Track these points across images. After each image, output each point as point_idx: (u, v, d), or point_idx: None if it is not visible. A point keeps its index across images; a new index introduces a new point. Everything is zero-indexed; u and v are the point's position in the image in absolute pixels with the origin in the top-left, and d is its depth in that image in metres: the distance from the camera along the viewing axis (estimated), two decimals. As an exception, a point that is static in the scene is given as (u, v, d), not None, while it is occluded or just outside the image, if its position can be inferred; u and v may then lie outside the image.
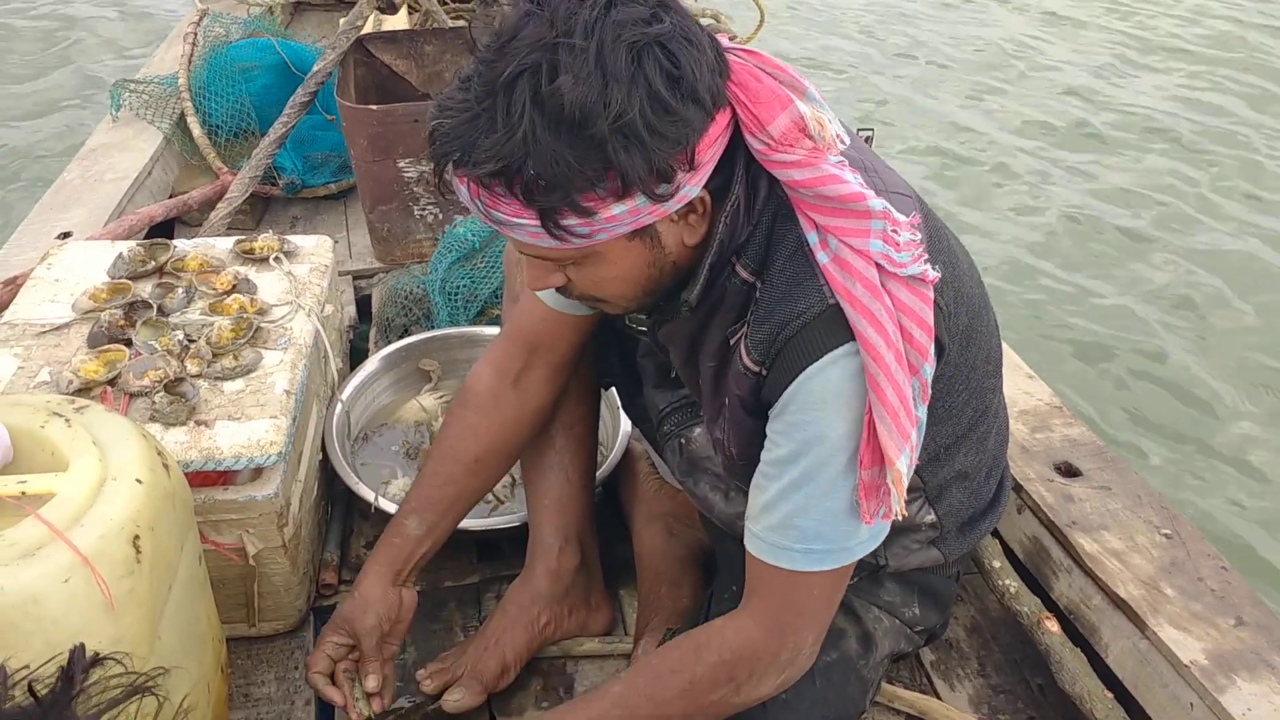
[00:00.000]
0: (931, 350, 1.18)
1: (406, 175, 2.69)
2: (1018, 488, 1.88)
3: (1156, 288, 4.23)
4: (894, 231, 1.16)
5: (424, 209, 2.75)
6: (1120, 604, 1.67)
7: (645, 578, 1.82)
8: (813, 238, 1.21)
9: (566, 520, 1.75)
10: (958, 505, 1.49)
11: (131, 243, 2.11)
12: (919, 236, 1.17)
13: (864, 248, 1.16)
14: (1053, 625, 1.71)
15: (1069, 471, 1.92)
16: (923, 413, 1.21)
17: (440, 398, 2.25)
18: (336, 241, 2.20)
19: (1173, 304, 4.13)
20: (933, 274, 1.18)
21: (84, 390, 1.69)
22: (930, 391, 1.24)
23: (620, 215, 1.11)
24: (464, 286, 2.43)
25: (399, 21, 3.56)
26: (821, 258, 1.20)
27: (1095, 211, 4.77)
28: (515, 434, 1.66)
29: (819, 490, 1.24)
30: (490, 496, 2.02)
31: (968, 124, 5.61)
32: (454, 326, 2.36)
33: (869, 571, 1.54)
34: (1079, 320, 4.04)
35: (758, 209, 1.24)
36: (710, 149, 1.14)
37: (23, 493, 1.25)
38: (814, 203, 1.19)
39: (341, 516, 2.03)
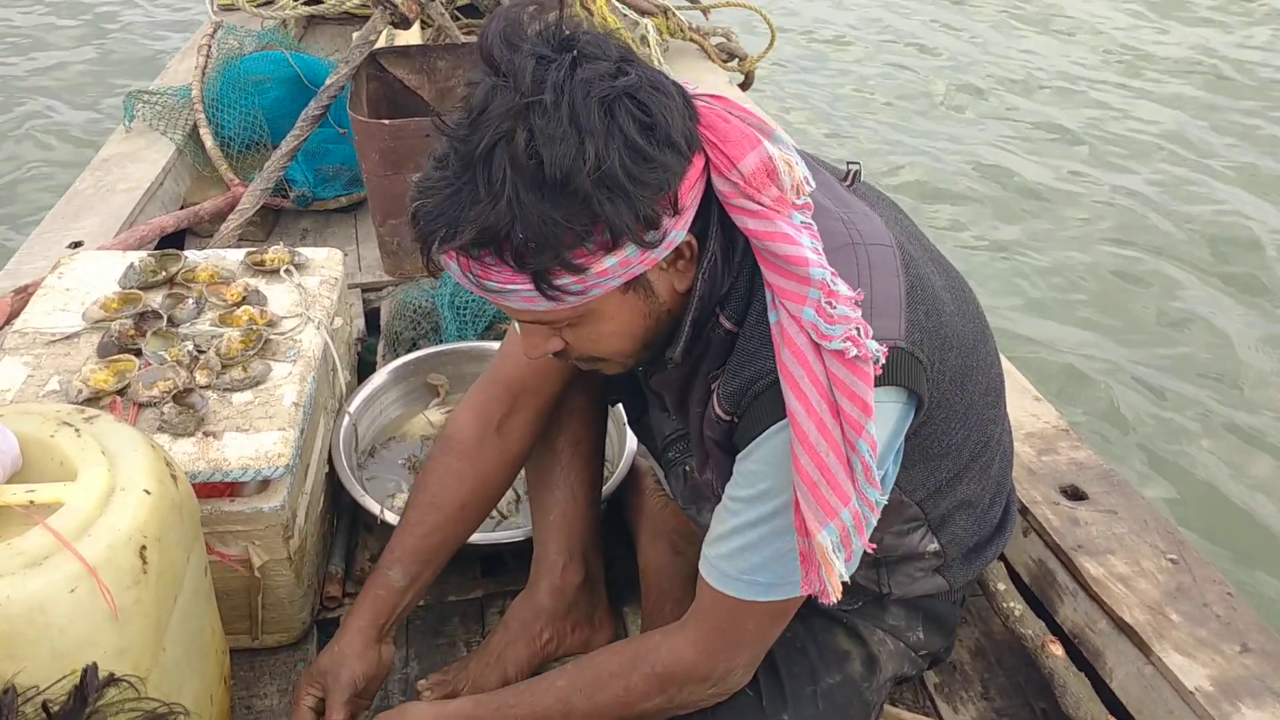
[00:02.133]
0: (867, 427, 1.15)
1: (417, 189, 2.69)
2: (1024, 510, 1.87)
3: (1167, 312, 4.22)
4: (828, 303, 1.15)
5: (434, 223, 2.76)
6: (1125, 629, 1.66)
7: (649, 595, 1.82)
8: (768, 295, 1.22)
9: (571, 536, 1.75)
10: (961, 533, 1.49)
11: (142, 253, 2.12)
12: (856, 314, 1.15)
13: (798, 313, 1.16)
14: (1057, 649, 1.71)
15: (1075, 494, 1.91)
16: (870, 490, 1.18)
17: (448, 412, 2.25)
18: (346, 254, 2.21)
19: (1184, 329, 4.12)
20: (874, 350, 1.15)
21: (93, 400, 1.70)
22: (892, 456, 1.26)
23: (612, 268, 1.12)
24: (473, 301, 2.44)
25: (412, 36, 3.57)
26: (772, 317, 1.21)
27: (1106, 233, 4.77)
28: (498, 480, 1.66)
29: (771, 533, 1.26)
30: (495, 512, 2.02)
31: (981, 146, 5.63)
32: (463, 341, 2.36)
33: (873, 597, 1.53)
34: (1085, 343, 4.03)
35: (736, 260, 1.25)
36: (691, 192, 1.16)
37: (31, 502, 1.26)
38: (765, 257, 1.20)
39: (347, 529, 2.03)
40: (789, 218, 1.18)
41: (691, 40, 4.11)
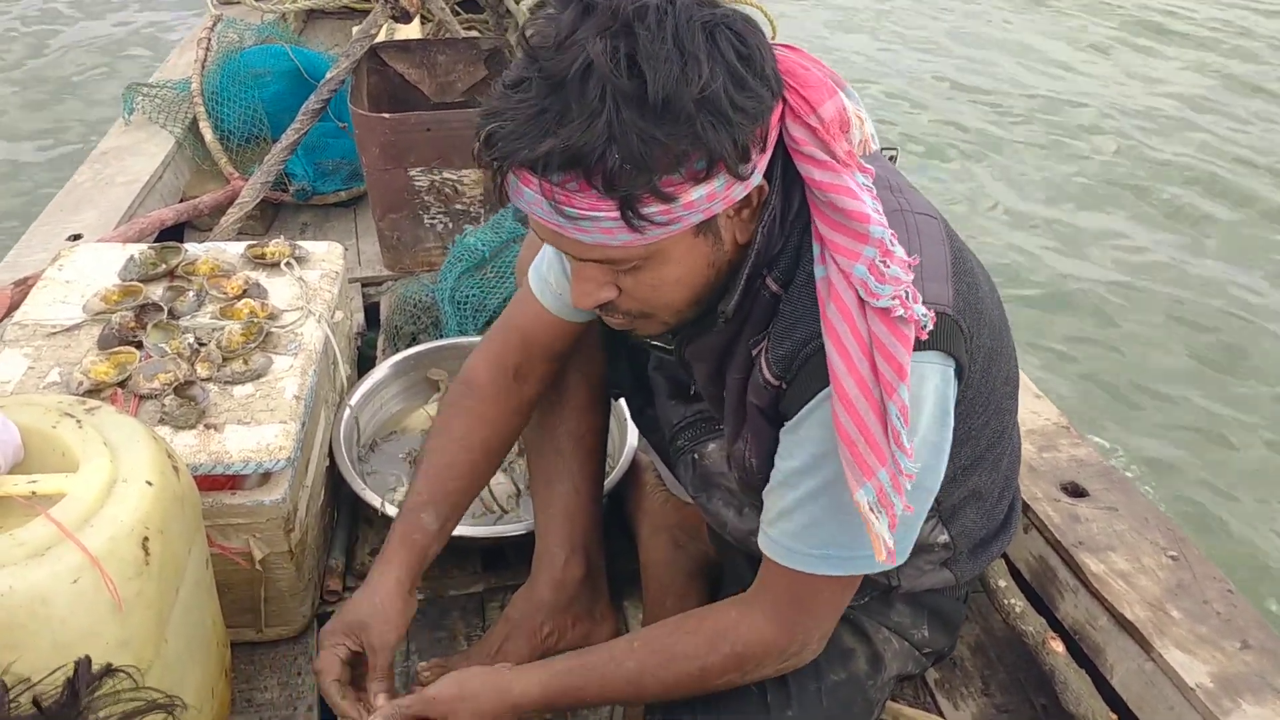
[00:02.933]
0: (899, 390, 1.14)
1: (417, 184, 2.69)
2: (1025, 507, 1.87)
3: (1172, 308, 4.23)
4: (883, 262, 1.14)
5: (434, 218, 2.76)
6: (1126, 625, 1.67)
7: (651, 590, 1.81)
8: (815, 249, 1.21)
9: (573, 531, 1.75)
10: (971, 526, 1.49)
11: (143, 245, 2.12)
12: (909, 277, 1.14)
13: (849, 269, 1.15)
14: (1058, 646, 1.71)
15: (1076, 492, 1.91)
16: (901, 456, 1.15)
17: (447, 406, 2.25)
18: (345, 249, 2.21)
19: (1187, 327, 4.13)
20: (920, 314, 1.14)
21: (94, 391, 1.69)
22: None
23: (698, 200, 1.10)
24: (473, 296, 2.43)
25: (411, 31, 3.57)
26: (819, 272, 1.20)
27: (1112, 231, 4.77)
28: (514, 425, 1.66)
29: (834, 504, 1.24)
30: (495, 506, 2.02)
31: (999, 137, 5.64)
32: (463, 336, 2.36)
33: (880, 592, 1.53)
34: (1088, 340, 4.04)
35: (790, 220, 1.23)
36: (774, 131, 1.15)
37: (33, 492, 1.25)
38: (824, 210, 1.19)
39: (347, 523, 2.03)
40: (854, 175, 1.17)
41: (692, 36, 4.10)
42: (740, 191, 1.13)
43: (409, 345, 2.39)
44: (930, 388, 1.20)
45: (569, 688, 1.41)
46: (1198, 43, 6.96)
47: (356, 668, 1.48)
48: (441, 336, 2.40)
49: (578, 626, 1.76)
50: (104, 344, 1.81)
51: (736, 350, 1.33)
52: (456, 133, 2.64)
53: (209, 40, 3.45)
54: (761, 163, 1.14)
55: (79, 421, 1.35)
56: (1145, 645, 1.63)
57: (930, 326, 1.15)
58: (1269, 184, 5.21)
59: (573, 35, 1.05)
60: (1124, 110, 5.99)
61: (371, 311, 2.76)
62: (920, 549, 1.47)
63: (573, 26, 1.06)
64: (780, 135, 1.17)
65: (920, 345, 1.16)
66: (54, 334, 1.86)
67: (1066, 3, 7.67)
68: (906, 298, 1.13)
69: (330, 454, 1.97)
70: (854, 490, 1.16)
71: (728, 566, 1.72)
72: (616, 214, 1.08)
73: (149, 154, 3.12)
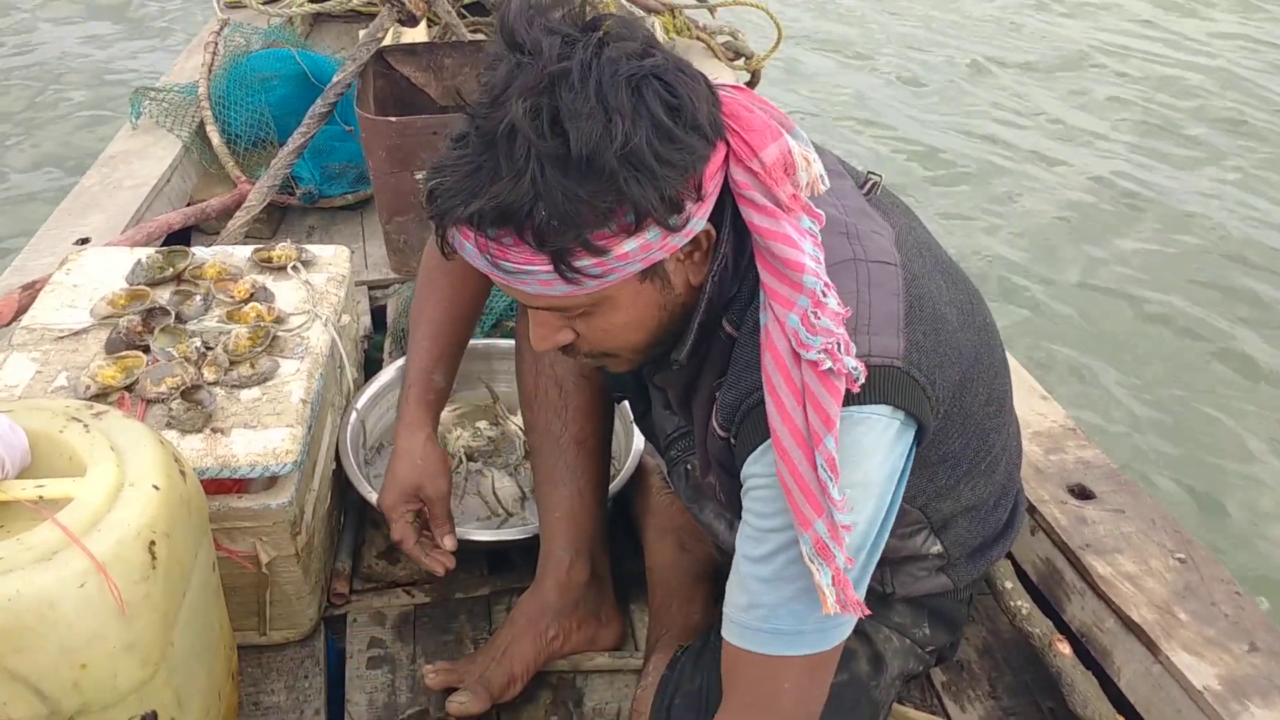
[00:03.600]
0: (826, 441, 1.12)
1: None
2: (1031, 509, 1.87)
3: (1178, 313, 4.22)
4: (814, 313, 1.13)
5: (440, 221, 2.76)
6: (1133, 627, 1.66)
7: (656, 592, 1.81)
8: (762, 297, 1.20)
9: (578, 533, 1.75)
10: (965, 535, 1.48)
11: (150, 249, 2.13)
12: (840, 330, 1.13)
13: (784, 318, 1.15)
14: (1065, 648, 1.70)
15: (1082, 494, 1.91)
16: (831, 507, 1.13)
17: (454, 409, 2.25)
18: (352, 252, 2.21)
19: (1192, 331, 4.12)
20: (850, 366, 1.12)
21: (101, 395, 1.70)
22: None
23: (632, 252, 1.11)
24: (479, 298, 2.43)
25: (418, 34, 3.57)
26: (762, 319, 1.20)
27: (1124, 232, 4.76)
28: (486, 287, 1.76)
29: (780, 569, 1.21)
30: (500, 509, 2.02)
31: (1006, 139, 5.64)
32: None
33: (877, 596, 1.52)
34: (1095, 341, 4.03)
35: (744, 265, 1.24)
36: (712, 180, 1.15)
37: (40, 497, 1.26)
38: (765, 256, 1.18)
39: (354, 526, 2.03)
40: (797, 220, 1.17)
41: (698, 39, 4.10)
42: (679, 240, 1.14)
43: (415, 348, 2.39)
44: (875, 440, 1.18)
45: None
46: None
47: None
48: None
49: (583, 629, 1.76)
50: (111, 348, 1.82)
51: (699, 387, 1.35)
52: (462, 136, 2.64)
53: (215, 44, 3.45)
54: (699, 210, 1.14)
55: (86, 426, 1.36)
56: (1153, 647, 1.63)
57: (862, 379, 1.13)
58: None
59: (505, 93, 1.08)
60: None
61: (378, 314, 2.76)
62: (913, 558, 1.48)
63: (505, 84, 1.08)
64: (726, 179, 1.17)
65: (863, 398, 1.15)
66: (61, 338, 1.86)
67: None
68: (837, 349, 1.12)
69: (336, 457, 1.98)
70: (803, 529, 1.15)
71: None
72: (550, 267, 1.10)
73: (156, 158, 3.13)
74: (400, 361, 2.24)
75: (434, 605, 1.90)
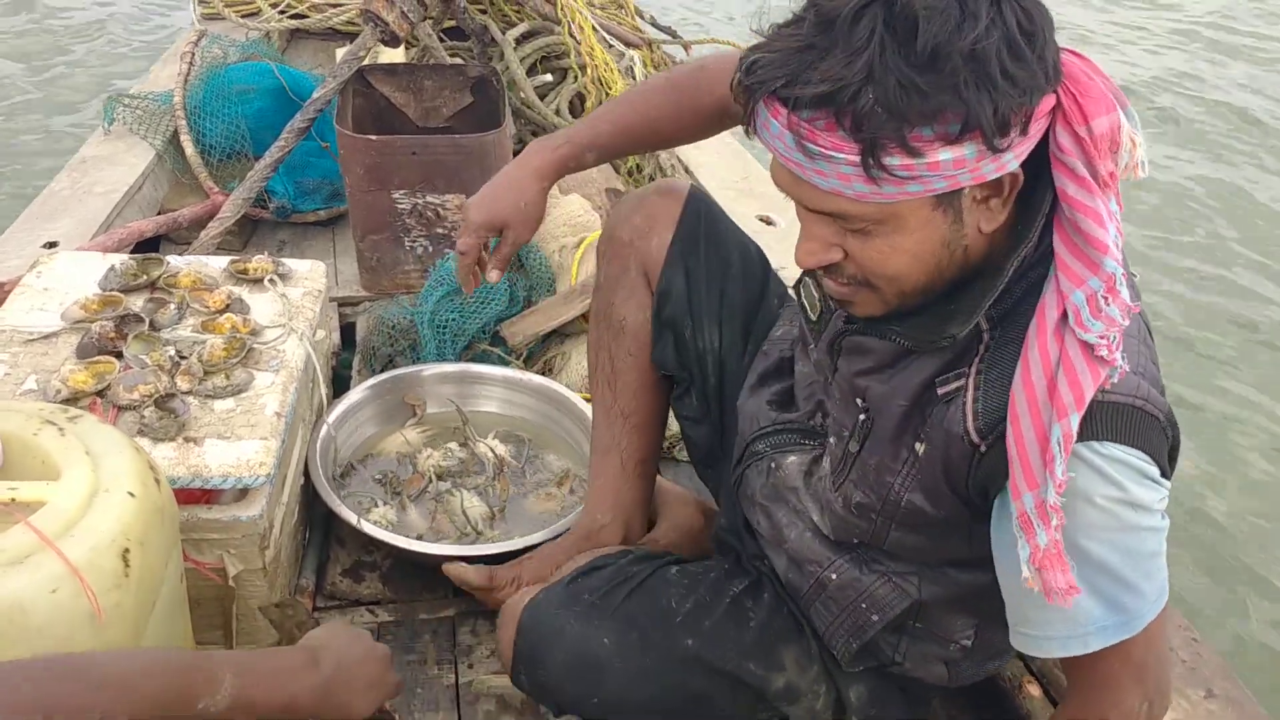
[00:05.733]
0: (1070, 418, 1.09)
1: (400, 206, 2.70)
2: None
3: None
4: (1105, 298, 1.10)
5: (414, 241, 2.76)
6: (1093, 670, 1.68)
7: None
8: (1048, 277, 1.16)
9: (615, 501, 1.80)
10: (992, 640, 1.46)
11: (124, 256, 2.10)
12: (1124, 322, 1.11)
13: (1068, 292, 1.12)
14: (1035, 689, 1.72)
15: (1045, 536, 1.93)
16: (1050, 483, 1.11)
17: (424, 431, 2.25)
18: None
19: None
20: (1121, 362, 1.10)
21: (72, 400, 1.68)
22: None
23: (944, 164, 1.05)
24: (453, 320, 2.44)
25: (396, 55, 3.58)
26: (1047, 297, 1.15)
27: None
28: (694, 133, 1.72)
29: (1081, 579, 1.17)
30: (470, 529, 2.01)
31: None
32: (441, 359, 2.36)
33: (882, 662, 1.51)
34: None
35: (1032, 262, 1.19)
36: (1037, 123, 1.09)
37: (13, 499, 1.24)
38: (1064, 227, 1.14)
39: (319, 544, 2.01)
40: (1108, 200, 1.12)
41: (674, 73, 4.14)
42: (991, 169, 1.08)
43: (385, 367, 2.39)
44: (1141, 488, 1.14)
45: None
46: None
47: None
48: (419, 359, 2.39)
49: None
50: (83, 353, 1.80)
51: (910, 370, 1.28)
52: (441, 157, 2.65)
53: (192, 54, 3.44)
54: (1021, 146, 1.08)
55: (61, 430, 1.35)
56: (1112, 690, 1.65)
57: (1116, 379, 1.11)
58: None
59: None
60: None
61: (347, 332, 2.75)
62: (939, 639, 1.46)
63: None
64: (1046, 137, 1.12)
65: (1131, 440, 1.12)
66: (31, 341, 1.84)
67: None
68: (1113, 341, 1.10)
69: (305, 473, 1.96)
70: (1016, 494, 1.14)
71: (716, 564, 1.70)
72: (857, 158, 1.05)
73: (128, 165, 3.10)
74: (372, 380, 2.24)
75: (398, 624, 1.88)
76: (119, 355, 1.80)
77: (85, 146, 3.26)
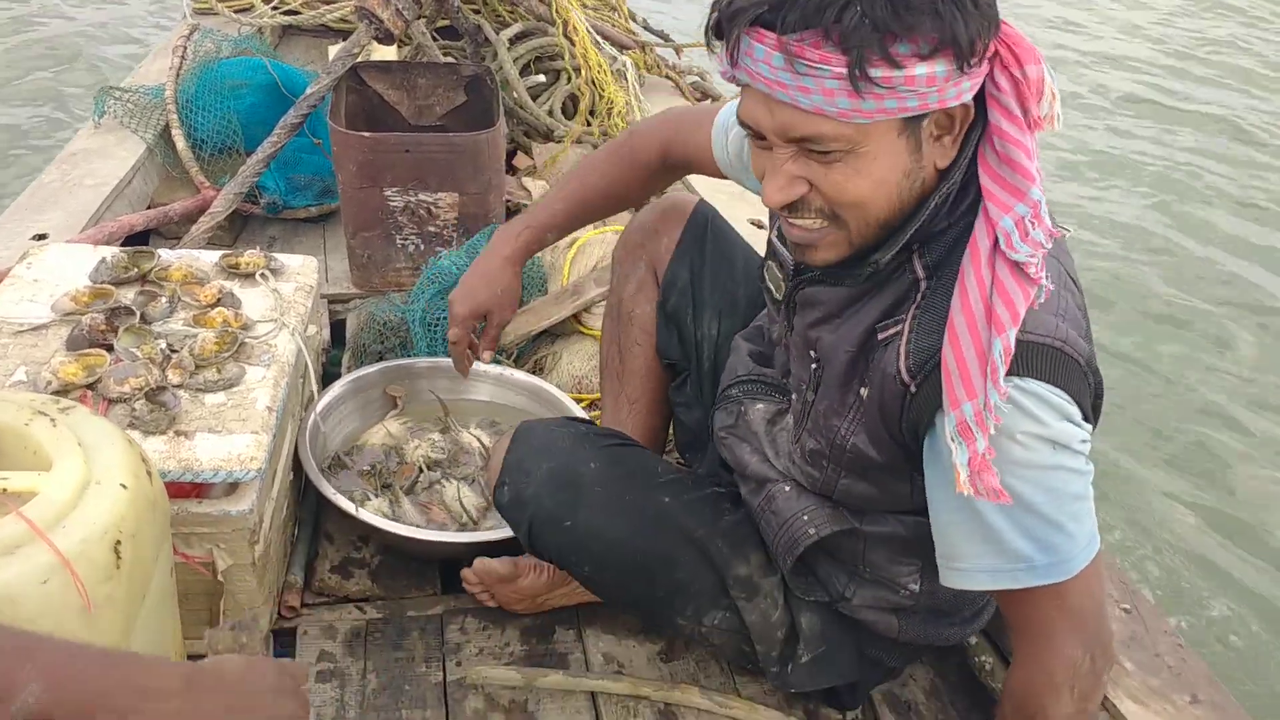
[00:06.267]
0: (1008, 333, 1.17)
1: (392, 204, 2.69)
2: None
3: (1133, 345, 4.32)
4: (1031, 222, 1.18)
5: (406, 238, 2.76)
6: (1080, 675, 1.69)
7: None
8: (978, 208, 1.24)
9: None
10: (943, 595, 1.51)
11: (115, 248, 2.10)
12: (1048, 245, 1.19)
13: (996, 218, 1.20)
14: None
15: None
16: (994, 392, 1.18)
17: (405, 423, 2.24)
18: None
19: (1143, 371, 4.21)
20: (1045, 281, 1.19)
21: (62, 392, 1.66)
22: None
23: (919, 79, 1.13)
24: (444, 318, 2.43)
25: (388, 54, 3.57)
26: (980, 242, 1.23)
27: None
28: (639, 196, 2.00)
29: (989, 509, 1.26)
30: (466, 518, 2.01)
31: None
32: (433, 356, 2.36)
33: (830, 600, 1.60)
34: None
35: (962, 209, 1.27)
36: (987, 62, 1.18)
37: (4, 489, 1.23)
38: (990, 161, 1.23)
39: (307, 540, 2.01)
40: (1035, 140, 1.21)
41: (667, 77, 4.15)
42: (953, 94, 1.17)
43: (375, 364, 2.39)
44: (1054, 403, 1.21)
45: None
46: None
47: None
48: (409, 357, 2.39)
49: None
50: (73, 345, 1.79)
51: (856, 316, 1.36)
52: (434, 155, 2.65)
53: (184, 48, 3.43)
54: (976, 78, 1.18)
55: (53, 420, 1.33)
56: (1098, 695, 1.66)
57: (1044, 299, 1.19)
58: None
59: None
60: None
61: (336, 329, 2.74)
62: (886, 583, 1.52)
63: None
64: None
65: (1042, 375, 1.20)
66: (20, 332, 1.83)
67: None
68: (1039, 263, 1.18)
69: (294, 468, 1.96)
70: (952, 406, 1.20)
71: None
72: (844, 70, 1.12)
73: (119, 158, 3.09)
74: (356, 374, 2.24)
75: (386, 621, 1.88)
76: (109, 348, 1.79)
77: (75, 139, 3.24)
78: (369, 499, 2.00)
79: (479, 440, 2.16)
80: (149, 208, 3.02)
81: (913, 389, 1.28)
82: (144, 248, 2.12)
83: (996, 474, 1.19)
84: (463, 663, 1.80)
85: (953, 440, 1.20)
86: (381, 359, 2.41)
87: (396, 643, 1.84)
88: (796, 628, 1.63)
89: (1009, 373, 1.18)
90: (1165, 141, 6.42)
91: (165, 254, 2.09)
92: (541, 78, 3.74)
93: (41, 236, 2.62)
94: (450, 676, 1.78)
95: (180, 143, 3.13)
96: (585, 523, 1.60)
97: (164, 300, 1.93)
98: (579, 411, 2.18)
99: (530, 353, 2.60)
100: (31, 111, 5.45)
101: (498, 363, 2.43)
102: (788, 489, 1.56)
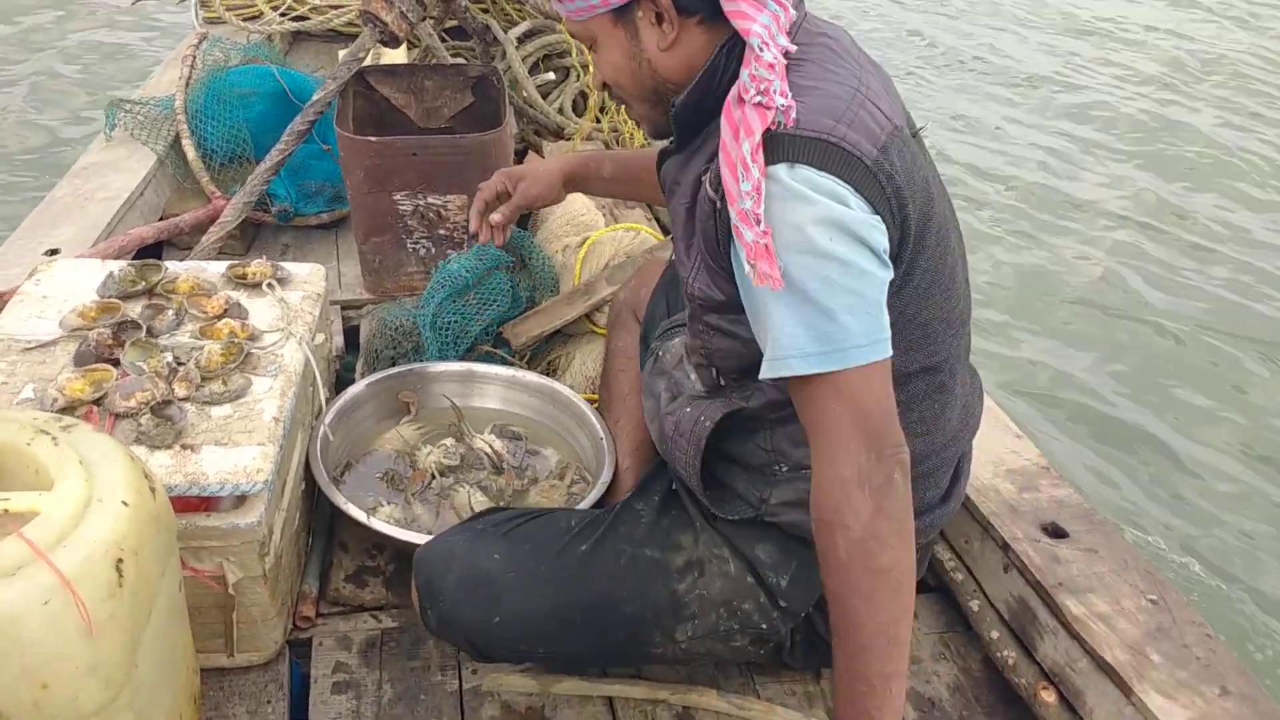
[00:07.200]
0: (753, 139, 1.28)
1: (401, 208, 2.68)
2: (1005, 546, 1.87)
3: (1152, 353, 4.26)
4: (755, 67, 1.30)
5: (417, 242, 2.75)
6: (1106, 668, 1.66)
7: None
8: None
9: (634, 452, 2.05)
10: None
11: (122, 262, 2.09)
12: (772, 76, 1.29)
13: (740, 75, 1.32)
14: (1049, 696, 1.70)
15: (1056, 532, 1.91)
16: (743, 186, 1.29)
17: (420, 429, 2.23)
18: (326, 271, 2.19)
19: (1167, 371, 4.15)
20: (782, 102, 1.28)
21: (69, 409, 1.66)
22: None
23: None
24: (454, 322, 2.42)
25: (398, 56, 3.57)
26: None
27: (1098, 268, 4.82)
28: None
29: (785, 293, 1.31)
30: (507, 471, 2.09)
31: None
32: (444, 361, 2.34)
33: (751, 515, 1.59)
34: (1073, 382, 4.05)
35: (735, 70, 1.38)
36: None
37: (5, 510, 1.23)
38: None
39: (321, 548, 2.00)
40: (760, 4, 1.34)
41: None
42: None
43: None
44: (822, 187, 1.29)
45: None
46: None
47: None
48: (422, 362, 2.38)
49: None
50: (80, 361, 1.78)
51: (689, 178, 1.50)
52: (442, 158, 2.63)
53: (194, 58, 3.43)
54: None
55: (54, 439, 1.33)
56: (1125, 689, 1.62)
57: (786, 123, 1.29)
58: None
59: None
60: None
61: (350, 335, 2.73)
62: (800, 475, 1.53)
63: None
64: None
65: (800, 157, 1.28)
66: (29, 349, 1.83)
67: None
68: (774, 90, 1.29)
69: (306, 475, 1.95)
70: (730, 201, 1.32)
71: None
72: None
73: (130, 171, 3.09)
74: (373, 377, 2.23)
75: (402, 630, 1.86)
76: (116, 363, 1.79)
77: (86, 153, 3.25)
78: (381, 505, 1.99)
79: (491, 447, 2.14)
80: (161, 219, 3.02)
81: (718, 204, 1.37)
82: (152, 260, 2.11)
83: (776, 260, 1.26)
84: (479, 670, 1.79)
85: (736, 231, 1.30)
86: (395, 364, 2.40)
87: (412, 651, 1.83)
88: (758, 567, 1.60)
89: (779, 159, 1.28)
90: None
91: (172, 266, 2.09)
92: (551, 75, 3.72)
93: (54, 252, 2.62)
94: (466, 684, 1.77)
95: (191, 153, 3.13)
96: (511, 612, 1.56)
97: (171, 313, 1.92)
98: (590, 413, 2.16)
99: (543, 354, 2.58)
100: (43, 126, 5.48)
101: (508, 364, 2.41)
102: (688, 409, 1.64)
